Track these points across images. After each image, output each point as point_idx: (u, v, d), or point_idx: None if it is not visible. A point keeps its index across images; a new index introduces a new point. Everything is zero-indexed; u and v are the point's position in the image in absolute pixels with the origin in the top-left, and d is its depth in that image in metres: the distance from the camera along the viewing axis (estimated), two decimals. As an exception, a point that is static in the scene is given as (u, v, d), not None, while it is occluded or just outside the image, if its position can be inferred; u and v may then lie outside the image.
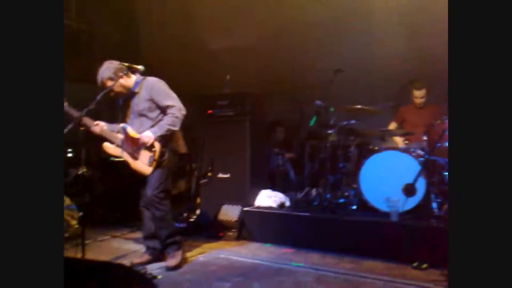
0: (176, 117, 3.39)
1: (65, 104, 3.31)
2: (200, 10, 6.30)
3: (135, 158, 3.46)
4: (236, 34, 6.02)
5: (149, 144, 3.36)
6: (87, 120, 3.41)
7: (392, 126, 4.83)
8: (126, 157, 3.48)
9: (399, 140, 4.65)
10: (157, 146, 3.42)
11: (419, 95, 4.72)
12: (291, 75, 5.86)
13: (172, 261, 3.48)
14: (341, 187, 4.58)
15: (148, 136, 3.35)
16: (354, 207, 4.31)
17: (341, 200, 4.47)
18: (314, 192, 4.70)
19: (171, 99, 3.43)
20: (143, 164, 3.45)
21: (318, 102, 4.46)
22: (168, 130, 3.38)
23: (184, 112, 3.44)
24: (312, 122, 4.46)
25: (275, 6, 5.65)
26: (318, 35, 5.49)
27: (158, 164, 3.43)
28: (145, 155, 3.45)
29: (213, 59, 6.06)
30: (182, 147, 3.65)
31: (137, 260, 3.53)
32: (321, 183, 4.68)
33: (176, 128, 3.44)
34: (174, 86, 3.76)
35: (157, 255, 3.60)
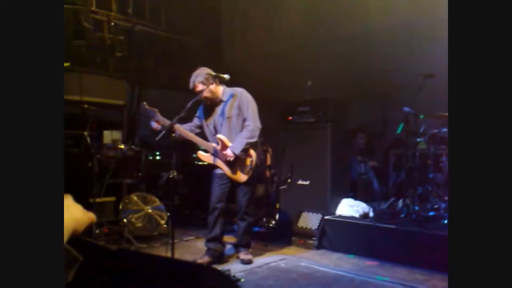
0: (253, 130, 3.60)
1: (156, 112, 3.54)
2: (281, 18, 6.37)
3: (231, 166, 3.61)
4: (317, 38, 5.97)
5: (231, 159, 3.55)
6: (179, 128, 3.60)
7: None
8: (221, 165, 3.64)
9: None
10: (254, 154, 3.58)
11: None
12: (375, 80, 5.64)
13: (248, 256, 3.79)
14: (430, 199, 4.29)
15: (229, 155, 3.54)
16: (446, 221, 4.00)
17: (431, 213, 4.18)
18: (400, 203, 4.45)
19: (251, 114, 3.63)
20: (239, 172, 3.62)
21: (406, 109, 4.24)
22: (247, 143, 3.58)
23: (259, 126, 3.67)
24: (399, 130, 4.24)
25: (360, 8, 5.50)
26: (407, 37, 5.22)
27: (253, 172, 3.59)
28: (241, 163, 3.61)
29: (295, 65, 6.06)
30: (261, 154, 3.86)
31: (199, 260, 3.64)
32: (408, 194, 4.42)
33: (254, 140, 3.63)
34: (255, 93, 3.85)
35: (217, 257, 3.73)
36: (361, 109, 5.66)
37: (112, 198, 4.41)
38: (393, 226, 3.95)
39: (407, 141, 4.61)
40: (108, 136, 5.17)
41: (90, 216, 0.88)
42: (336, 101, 4.81)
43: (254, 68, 6.60)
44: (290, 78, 5.97)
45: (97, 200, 4.25)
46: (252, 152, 3.61)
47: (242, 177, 3.62)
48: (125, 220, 4.21)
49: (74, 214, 0.84)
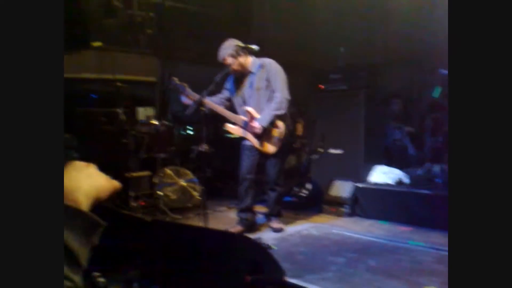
0: (281, 102, 3.54)
1: (186, 86, 3.56)
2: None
3: (259, 137, 3.61)
4: (349, 3, 5.73)
5: (258, 132, 3.54)
6: (208, 101, 3.60)
7: None
8: (250, 137, 3.64)
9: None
10: (282, 126, 3.56)
11: None
12: (410, 43, 5.36)
13: (280, 225, 3.84)
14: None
15: (257, 127, 3.53)
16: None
17: (469, 178, 4.01)
18: (436, 168, 4.30)
19: (280, 85, 3.58)
20: (267, 143, 3.62)
21: (443, 71, 4.02)
22: (275, 115, 3.54)
23: (288, 97, 3.59)
24: (436, 93, 4.05)
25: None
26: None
27: (282, 143, 3.59)
28: (269, 135, 3.60)
29: (326, 31, 5.88)
30: (290, 125, 3.83)
31: (231, 229, 3.70)
32: (445, 159, 4.26)
33: (282, 112, 3.57)
34: (285, 61, 3.78)
35: (249, 226, 3.80)
36: (395, 73, 5.43)
37: (147, 173, 4.56)
38: (428, 192, 3.85)
39: (444, 105, 4.40)
40: (142, 112, 5.30)
41: (114, 184, 0.90)
42: (369, 67, 4.66)
43: (284, 36, 6.47)
44: (321, 44, 5.82)
45: (134, 174, 4.41)
46: (280, 123, 3.58)
47: (270, 148, 3.62)
48: (160, 193, 4.36)
49: (96, 182, 0.86)
